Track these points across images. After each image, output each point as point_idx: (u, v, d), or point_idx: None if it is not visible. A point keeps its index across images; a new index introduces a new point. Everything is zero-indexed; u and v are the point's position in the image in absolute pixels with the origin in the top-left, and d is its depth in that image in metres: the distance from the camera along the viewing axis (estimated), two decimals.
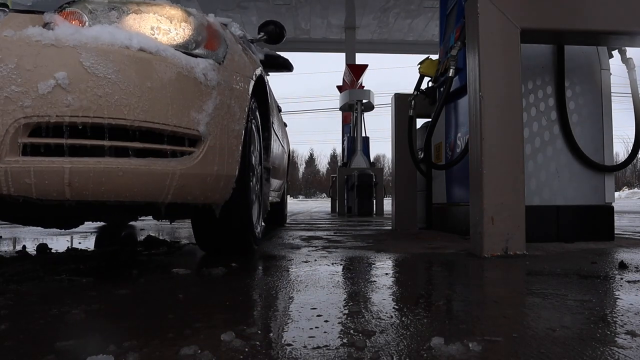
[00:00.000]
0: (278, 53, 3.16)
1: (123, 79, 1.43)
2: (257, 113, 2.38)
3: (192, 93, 1.60)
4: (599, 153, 2.88)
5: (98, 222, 4.62)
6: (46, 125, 1.37)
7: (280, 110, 4.47)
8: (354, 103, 9.90)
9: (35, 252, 2.38)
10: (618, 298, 1.30)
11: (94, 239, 3.27)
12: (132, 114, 1.44)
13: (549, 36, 2.54)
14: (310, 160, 76.93)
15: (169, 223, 4.90)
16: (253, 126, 2.23)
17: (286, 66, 3.20)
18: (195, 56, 1.65)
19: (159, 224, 4.86)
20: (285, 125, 4.89)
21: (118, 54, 1.44)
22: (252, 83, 2.05)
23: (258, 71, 2.21)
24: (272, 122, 2.88)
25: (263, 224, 4.11)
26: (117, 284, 1.49)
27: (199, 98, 1.61)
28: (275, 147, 3.32)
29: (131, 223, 4.88)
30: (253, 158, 2.26)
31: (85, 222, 4.89)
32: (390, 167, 4.73)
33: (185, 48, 1.63)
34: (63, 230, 3.29)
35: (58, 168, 1.39)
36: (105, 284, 1.51)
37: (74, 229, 4.03)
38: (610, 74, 2.96)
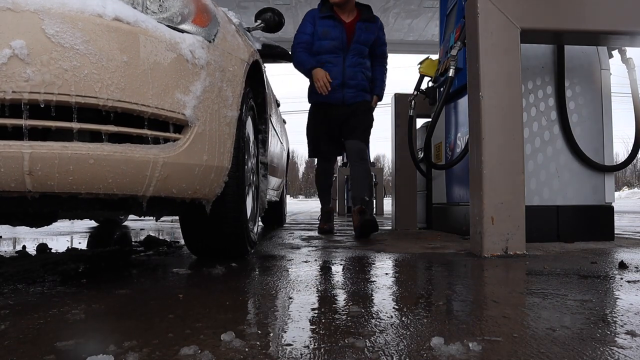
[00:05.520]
0: (276, 43, 3.08)
1: (94, 51, 1.25)
2: (253, 103, 2.23)
3: (177, 72, 1.43)
4: (599, 153, 2.88)
5: (93, 222, 4.62)
6: (1, 103, 1.18)
7: (279, 105, 4.39)
8: None
9: (35, 252, 2.38)
10: (618, 298, 1.30)
11: (88, 240, 3.27)
12: (105, 92, 1.26)
13: (549, 36, 2.54)
14: (311, 160, 76.99)
15: (170, 222, 4.91)
16: (249, 115, 2.05)
17: (285, 56, 3.09)
18: (182, 31, 1.50)
19: (158, 224, 4.86)
20: (284, 122, 4.83)
21: (88, 22, 1.26)
22: (246, 67, 1.90)
23: (254, 57, 2.06)
24: (270, 115, 2.72)
25: (261, 224, 4.10)
26: (117, 284, 1.49)
27: (185, 78, 1.46)
28: (274, 142, 3.19)
29: (127, 223, 4.88)
30: (248, 150, 2.08)
31: (82, 222, 4.89)
32: (390, 167, 4.74)
33: (169, 21, 1.49)
34: (46, 227, 2.94)
35: (16, 154, 1.19)
36: (105, 284, 1.51)
37: (73, 229, 4.03)
38: (610, 74, 2.96)
